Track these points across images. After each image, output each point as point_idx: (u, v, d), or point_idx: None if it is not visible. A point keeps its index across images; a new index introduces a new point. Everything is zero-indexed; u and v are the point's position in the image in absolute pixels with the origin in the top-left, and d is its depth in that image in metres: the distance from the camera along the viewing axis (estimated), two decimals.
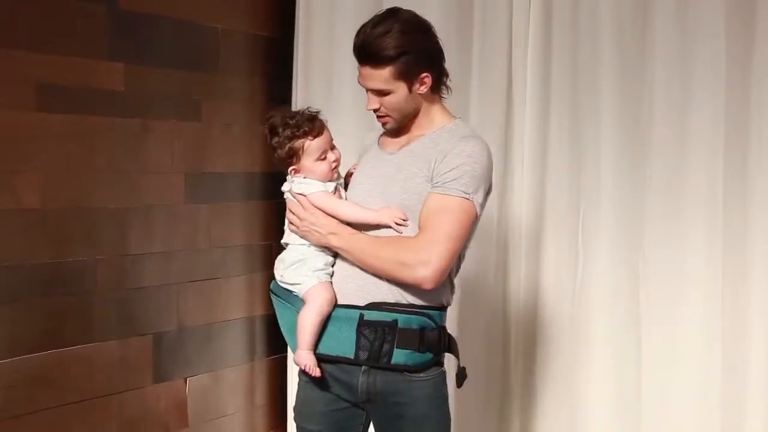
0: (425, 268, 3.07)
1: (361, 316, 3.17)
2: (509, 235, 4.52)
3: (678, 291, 4.23)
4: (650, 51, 4.23)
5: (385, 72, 3.21)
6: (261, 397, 4.78)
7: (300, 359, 3.20)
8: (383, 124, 3.30)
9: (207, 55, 4.44)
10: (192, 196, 4.35)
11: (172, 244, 4.27)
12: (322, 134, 3.31)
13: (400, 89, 3.22)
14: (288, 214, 3.34)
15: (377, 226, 3.18)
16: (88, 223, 3.90)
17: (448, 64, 4.33)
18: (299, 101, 4.68)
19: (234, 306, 4.61)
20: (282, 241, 3.39)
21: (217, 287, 4.50)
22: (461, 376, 3.28)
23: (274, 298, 3.35)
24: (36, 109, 3.68)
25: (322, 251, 3.25)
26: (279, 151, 3.32)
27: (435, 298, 3.19)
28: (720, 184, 4.16)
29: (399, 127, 3.30)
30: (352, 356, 3.18)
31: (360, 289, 3.19)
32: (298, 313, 3.22)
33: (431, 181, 3.16)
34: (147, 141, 4.13)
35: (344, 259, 3.21)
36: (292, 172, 3.33)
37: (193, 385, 4.38)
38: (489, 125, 4.45)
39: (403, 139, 3.31)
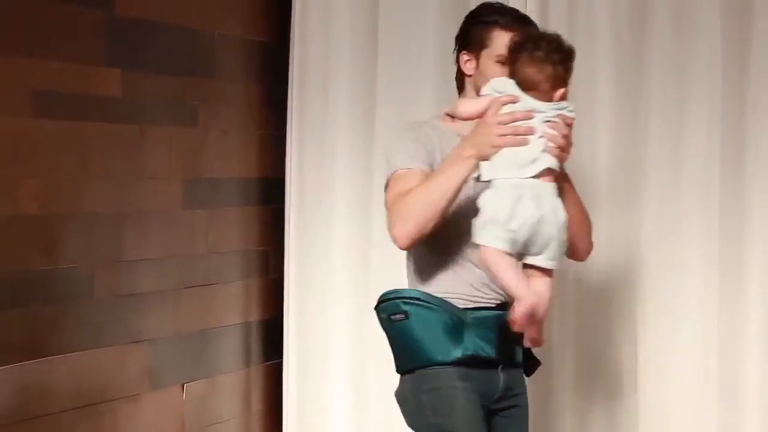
0: None
1: (501, 317, 3.20)
2: None
3: (674, 288, 4.23)
4: (647, 51, 4.24)
5: None
6: (257, 402, 4.77)
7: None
8: None
9: (203, 60, 4.42)
10: (189, 202, 4.34)
11: (168, 250, 4.25)
12: None
13: None
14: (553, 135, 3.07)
15: None
16: (84, 229, 3.88)
17: (448, 62, 4.38)
18: (295, 106, 4.67)
19: (230, 312, 4.59)
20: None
21: (214, 293, 4.48)
22: (537, 364, 3.46)
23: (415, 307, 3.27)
24: (33, 115, 3.66)
25: None
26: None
27: None
28: (716, 186, 4.15)
29: None
30: (495, 356, 3.25)
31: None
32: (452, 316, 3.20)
33: None
34: (144, 147, 4.12)
35: None
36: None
37: (190, 391, 4.37)
38: None
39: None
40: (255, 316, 4.73)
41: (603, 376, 4.37)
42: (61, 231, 3.80)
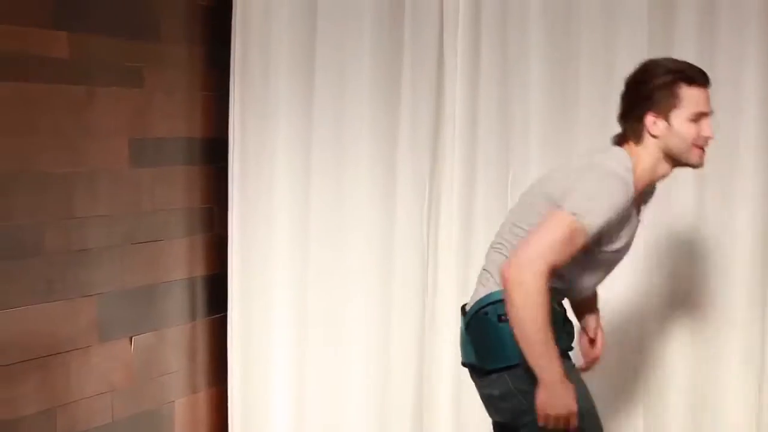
0: None
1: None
2: (441, 211, 4.55)
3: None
4: (576, 35, 4.28)
5: None
6: (203, 354, 4.78)
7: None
8: (700, 157, 3.17)
9: (148, 23, 4.40)
10: (135, 161, 4.33)
11: (116, 208, 4.25)
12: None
13: None
14: None
15: None
16: (34, 188, 3.87)
17: (384, 25, 4.33)
18: (237, 68, 4.66)
19: (176, 267, 4.60)
20: None
21: (160, 249, 4.49)
22: None
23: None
24: None
25: None
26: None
27: None
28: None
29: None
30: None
31: None
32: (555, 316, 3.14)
33: None
34: (91, 107, 4.11)
35: None
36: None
37: (138, 343, 4.37)
38: (421, 114, 4.49)
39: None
40: (200, 271, 4.73)
41: None
42: (11, 189, 3.78)
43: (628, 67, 4.08)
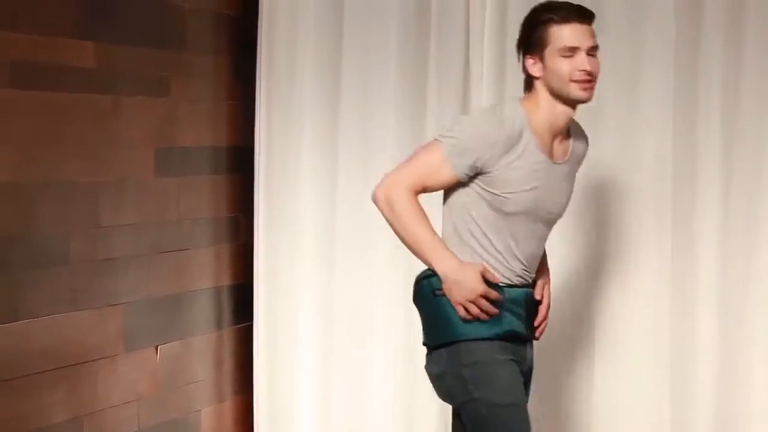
0: None
1: (528, 294, 3.32)
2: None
3: (627, 268, 4.28)
4: (601, 29, 4.23)
5: (593, 32, 3.25)
6: (228, 363, 4.78)
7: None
8: (585, 90, 3.20)
9: (175, 33, 4.40)
10: (161, 170, 4.33)
11: (142, 217, 4.24)
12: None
13: (598, 57, 3.26)
14: None
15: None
16: (60, 197, 3.87)
17: (411, 36, 4.31)
18: (263, 77, 4.66)
19: (202, 276, 4.59)
20: None
21: (186, 258, 4.48)
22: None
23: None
24: (9, 86, 3.64)
25: None
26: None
27: None
28: (669, 164, 4.20)
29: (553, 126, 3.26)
30: (526, 333, 3.32)
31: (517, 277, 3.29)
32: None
33: None
34: (117, 117, 4.11)
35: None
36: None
37: (164, 352, 4.37)
38: (446, 122, 4.44)
39: (558, 143, 3.29)
40: (226, 280, 4.73)
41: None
42: (38, 199, 3.78)
43: (653, 74, 4.09)
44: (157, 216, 4.33)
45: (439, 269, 3.18)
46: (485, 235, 3.23)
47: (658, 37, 4.18)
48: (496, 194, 3.19)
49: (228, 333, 4.76)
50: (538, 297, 3.39)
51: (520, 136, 3.17)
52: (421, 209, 3.19)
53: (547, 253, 3.47)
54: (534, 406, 3.44)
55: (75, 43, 3.91)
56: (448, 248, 3.20)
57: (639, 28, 4.21)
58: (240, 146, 4.75)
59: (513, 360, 3.24)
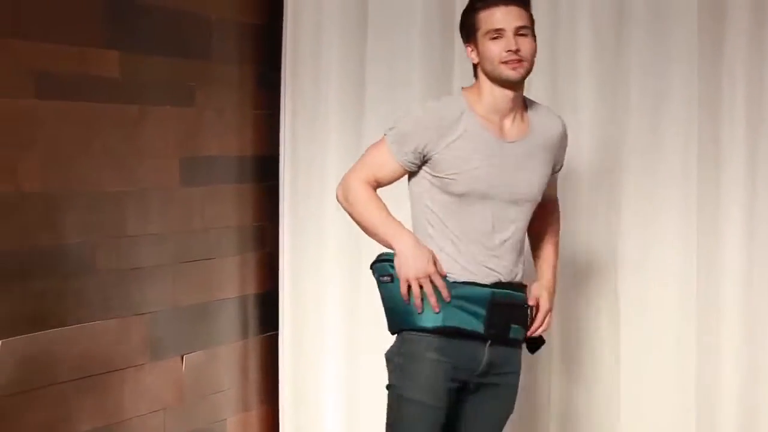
0: None
1: (494, 294, 3.27)
2: None
3: (653, 275, 4.24)
4: (626, 40, 4.23)
5: (526, 14, 3.29)
6: (254, 373, 4.77)
7: None
8: (514, 69, 3.24)
9: (199, 42, 4.41)
10: (186, 179, 4.33)
11: (167, 226, 4.25)
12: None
13: (532, 37, 3.30)
14: None
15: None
16: (85, 206, 3.88)
17: (435, 44, 4.26)
18: (288, 86, 4.66)
19: (228, 285, 4.59)
20: None
21: (212, 267, 4.48)
22: (541, 343, 3.47)
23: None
24: (35, 96, 3.65)
25: None
26: None
27: (522, 275, 3.38)
28: (694, 170, 4.16)
29: (502, 108, 3.31)
30: (482, 332, 3.27)
31: (485, 268, 3.29)
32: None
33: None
34: (143, 126, 4.11)
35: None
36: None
37: (189, 362, 4.37)
38: None
39: (510, 123, 3.33)
40: (251, 289, 4.72)
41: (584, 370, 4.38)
42: (64, 208, 3.79)
43: (678, 72, 4.06)
44: (183, 225, 4.33)
45: (396, 246, 3.27)
46: (443, 222, 3.30)
47: (682, 40, 4.15)
48: (443, 177, 3.27)
49: (253, 342, 4.75)
50: (531, 303, 3.40)
51: (458, 117, 3.26)
52: (375, 195, 3.33)
53: (556, 257, 3.54)
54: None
55: (100, 52, 3.91)
56: (404, 228, 3.30)
57: (663, 32, 4.19)
58: (265, 155, 4.74)
59: (446, 362, 3.27)
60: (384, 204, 3.33)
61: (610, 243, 4.30)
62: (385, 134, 3.34)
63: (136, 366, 4.10)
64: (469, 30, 3.32)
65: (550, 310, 3.45)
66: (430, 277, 3.23)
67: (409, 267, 3.23)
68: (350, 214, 3.39)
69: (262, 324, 4.78)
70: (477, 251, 3.28)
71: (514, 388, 3.44)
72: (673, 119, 4.18)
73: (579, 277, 4.35)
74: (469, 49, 3.33)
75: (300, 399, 4.72)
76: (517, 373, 3.43)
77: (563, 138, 3.47)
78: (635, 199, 4.25)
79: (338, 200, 3.42)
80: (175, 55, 4.25)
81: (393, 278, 3.31)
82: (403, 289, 3.25)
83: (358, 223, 3.39)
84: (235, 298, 4.63)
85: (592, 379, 4.36)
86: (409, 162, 3.29)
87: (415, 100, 4.47)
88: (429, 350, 3.28)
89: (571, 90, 4.31)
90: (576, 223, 4.28)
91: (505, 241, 3.31)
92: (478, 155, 3.25)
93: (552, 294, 3.48)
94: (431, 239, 3.30)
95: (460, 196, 3.27)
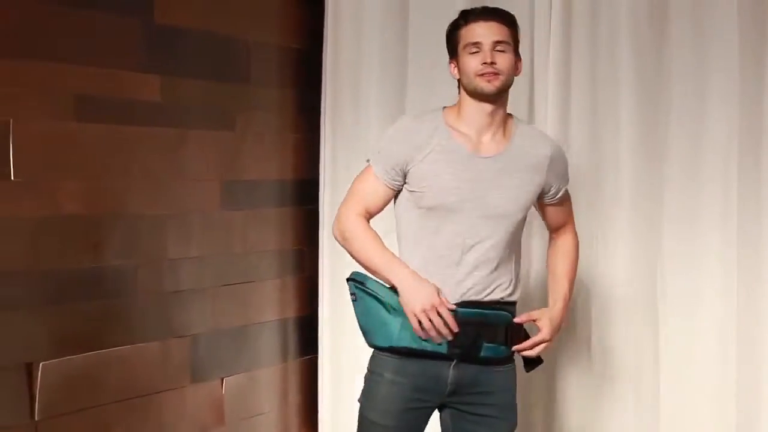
0: None
1: (456, 313, 3.24)
2: (533, 242, 4.49)
3: (695, 289, 4.21)
4: (667, 58, 4.23)
5: (507, 30, 3.31)
6: (294, 396, 4.76)
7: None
8: (489, 81, 3.26)
9: (239, 66, 4.43)
10: (227, 203, 4.35)
11: (208, 249, 4.26)
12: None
13: (511, 54, 3.31)
14: None
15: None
16: (127, 229, 3.90)
17: None
18: (328, 110, 4.67)
19: (267, 308, 4.59)
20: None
21: (252, 290, 4.48)
22: (537, 362, 3.39)
23: (356, 289, 3.38)
24: (76, 119, 3.68)
25: None
26: None
27: (513, 294, 3.33)
28: (734, 184, 4.14)
29: (480, 125, 3.31)
30: (445, 351, 3.26)
31: (453, 285, 3.28)
32: (386, 305, 3.29)
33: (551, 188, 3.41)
34: (183, 150, 4.13)
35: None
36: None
37: (229, 384, 4.37)
38: None
39: (488, 138, 3.33)
40: (291, 312, 4.72)
41: (622, 374, 4.36)
42: (105, 231, 3.81)
43: (719, 89, 4.04)
44: (223, 248, 4.35)
45: (396, 282, 3.26)
46: (415, 237, 3.33)
47: (723, 46, 4.14)
48: (415, 191, 3.30)
49: (293, 365, 4.74)
50: (519, 320, 3.35)
51: (432, 132, 3.29)
52: (370, 230, 3.35)
53: (569, 290, 3.49)
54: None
55: (141, 76, 3.94)
56: (402, 262, 3.29)
57: (703, 41, 4.18)
58: (305, 179, 4.75)
59: (402, 382, 3.29)
60: (380, 238, 3.34)
61: (651, 259, 4.28)
62: (368, 161, 3.38)
63: (176, 388, 4.11)
64: (451, 47, 3.36)
65: (547, 341, 3.36)
66: (436, 308, 3.21)
67: (414, 302, 3.22)
68: (348, 251, 3.39)
69: (302, 347, 4.78)
70: (445, 267, 3.28)
71: (508, 409, 3.38)
72: (714, 118, 4.17)
73: (619, 299, 4.34)
74: (452, 65, 3.36)
75: (339, 422, 4.71)
76: (505, 393, 3.37)
77: (554, 163, 3.41)
78: (677, 222, 4.23)
79: (335, 238, 3.43)
80: (215, 79, 4.28)
81: (356, 297, 3.36)
82: (414, 325, 3.23)
83: (356, 260, 3.38)
84: (275, 321, 4.62)
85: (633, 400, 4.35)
86: (393, 180, 3.32)
87: None
88: (386, 370, 3.32)
89: (613, 108, 4.31)
90: (616, 238, 4.31)
91: (477, 257, 3.29)
92: (450, 169, 3.26)
93: (555, 326, 3.39)
94: (403, 255, 3.33)
95: (430, 209, 3.28)
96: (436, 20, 4.47)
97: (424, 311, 3.20)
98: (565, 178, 3.48)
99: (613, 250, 4.31)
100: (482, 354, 3.27)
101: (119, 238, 3.86)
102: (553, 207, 3.49)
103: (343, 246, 3.40)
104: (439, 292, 3.23)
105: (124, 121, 3.87)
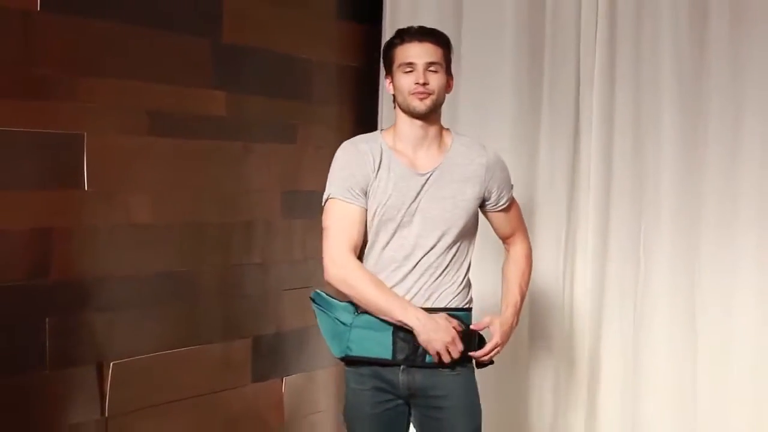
0: None
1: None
2: (577, 247, 4.57)
3: (732, 298, 4.24)
4: (706, 75, 4.27)
5: (440, 51, 3.35)
6: None
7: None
8: (421, 100, 3.30)
9: (301, 84, 4.51)
10: (287, 212, 4.42)
11: (270, 256, 4.34)
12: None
13: (443, 74, 3.35)
14: None
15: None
16: (193, 237, 3.99)
17: (520, 97, 4.36)
18: (384, 125, 4.73)
19: None
20: None
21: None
22: (487, 363, 3.41)
23: (314, 307, 3.43)
24: (147, 133, 3.78)
25: None
26: None
27: (462, 300, 3.37)
28: None
29: (414, 142, 3.37)
30: (390, 358, 3.31)
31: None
32: (336, 320, 3.35)
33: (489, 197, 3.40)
34: (247, 162, 4.22)
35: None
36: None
37: (289, 384, 4.45)
38: (558, 148, 4.53)
39: (424, 153, 3.37)
40: None
41: (661, 380, 4.37)
42: (171, 238, 3.91)
43: (756, 103, 4.12)
44: (284, 255, 4.41)
45: (411, 323, 3.25)
46: (370, 250, 3.35)
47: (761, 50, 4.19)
48: (368, 208, 3.33)
49: None
50: (476, 327, 3.38)
51: (377, 152, 3.34)
52: (369, 273, 3.30)
53: (520, 297, 3.50)
54: None
55: (208, 93, 4.03)
56: (410, 303, 3.29)
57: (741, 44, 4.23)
58: None
59: (364, 389, 3.35)
60: (381, 281, 3.30)
61: (690, 268, 4.32)
62: (329, 197, 3.34)
63: (239, 387, 4.19)
64: (387, 64, 3.39)
65: (500, 345, 3.39)
66: (454, 341, 3.27)
67: (434, 341, 3.25)
68: (351, 296, 3.32)
69: None
70: (389, 277, 3.32)
71: (460, 409, 3.36)
72: (752, 120, 4.20)
73: (661, 302, 4.37)
74: (388, 81, 3.39)
75: None
76: (454, 396, 3.35)
77: (491, 169, 3.42)
78: (715, 228, 4.27)
79: (333, 281, 3.33)
80: (277, 95, 4.35)
81: (316, 314, 3.42)
82: (445, 358, 3.26)
83: (364, 305, 3.30)
84: None
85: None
86: (360, 199, 3.32)
87: (506, 142, 4.52)
88: (350, 381, 3.41)
89: (655, 127, 4.36)
90: (657, 250, 4.35)
91: (422, 265, 3.33)
92: (391, 184, 3.31)
93: (506, 330, 3.41)
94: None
95: (378, 222, 3.32)
96: (488, 40, 4.58)
97: (445, 348, 3.25)
98: (506, 186, 3.48)
99: (655, 262, 4.36)
100: (427, 359, 3.30)
101: (185, 245, 3.95)
102: (499, 215, 3.50)
103: (345, 291, 3.33)
104: (452, 325, 3.29)
105: (192, 134, 3.96)
